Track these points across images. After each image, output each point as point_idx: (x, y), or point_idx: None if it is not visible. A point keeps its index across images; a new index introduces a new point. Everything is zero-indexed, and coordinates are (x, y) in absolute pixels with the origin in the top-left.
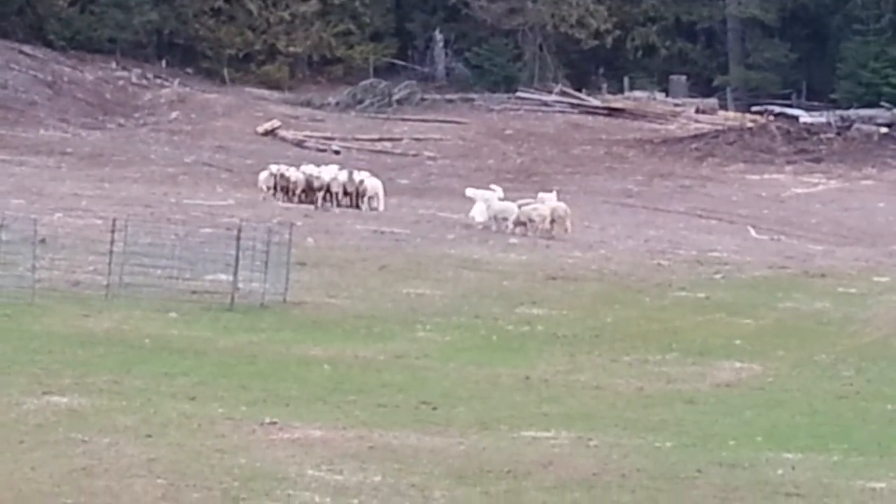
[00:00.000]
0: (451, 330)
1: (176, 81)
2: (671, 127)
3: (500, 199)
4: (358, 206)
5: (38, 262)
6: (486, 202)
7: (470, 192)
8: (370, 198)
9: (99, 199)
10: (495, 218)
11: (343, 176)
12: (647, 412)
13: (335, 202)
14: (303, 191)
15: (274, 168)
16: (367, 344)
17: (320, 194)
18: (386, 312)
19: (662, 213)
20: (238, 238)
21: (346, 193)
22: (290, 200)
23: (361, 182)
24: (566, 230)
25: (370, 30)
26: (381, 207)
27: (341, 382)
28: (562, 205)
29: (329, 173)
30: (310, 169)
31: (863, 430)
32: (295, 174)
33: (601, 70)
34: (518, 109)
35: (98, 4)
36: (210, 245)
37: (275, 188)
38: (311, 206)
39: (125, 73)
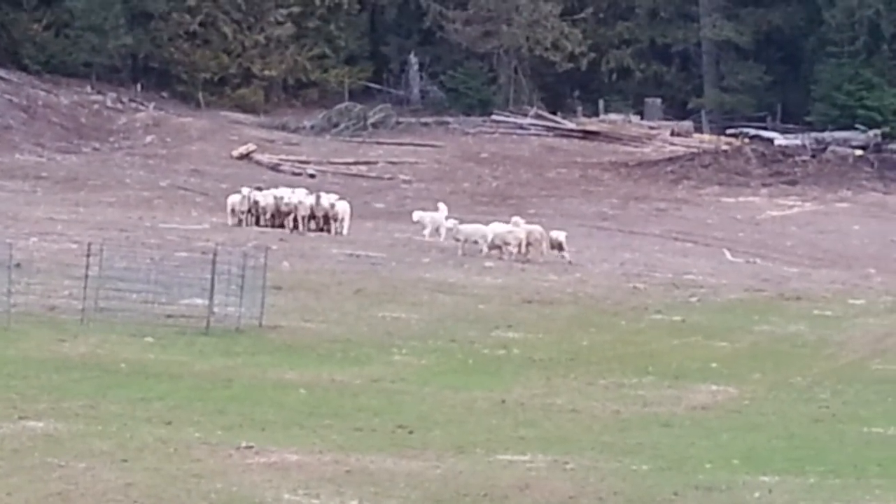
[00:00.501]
0: (427, 354)
1: (151, 105)
2: (646, 150)
3: (446, 218)
4: (327, 230)
5: (13, 287)
6: (433, 223)
7: (416, 215)
8: (340, 221)
9: (74, 223)
10: (465, 241)
11: (310, 199)
12: (623, 435)
13: (303, 226)
14: (272, 215)
15: (245, 191)
16: (343, 368)
17: (289, 218)
18: (362, 336)
19: (638, 236)
20: (213, 262)
21: (312, 217)
22: (259, 225)
23: (332, 206)
24: (542, 254)
25: (345, 53)
26: (345, 232)
27: (317, 406)
28: (537, 228)
29: (297, 197)
30: (279, 192)
31: (839, 452)
32: (264, 198)
33: (576, 93)
34: (493, 132)
35: (73, 28)
36: (185, 269)
37: (248, 211)
38: (285, 231)
39: (100, 97)
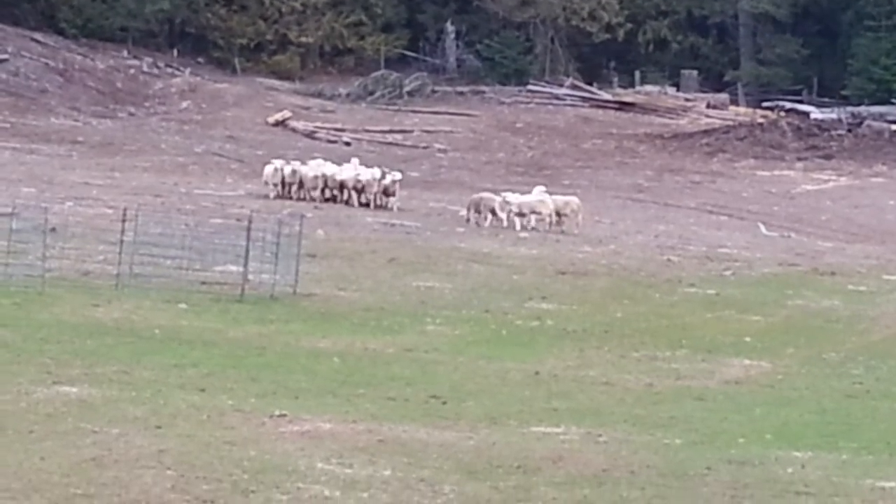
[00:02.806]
0: (460, 324)
1: (187, 71)
2: (682, 122)
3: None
4: (385, 206)
5: (48, 252)
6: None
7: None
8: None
9: (109, 188)
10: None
11: (375, 174)
12: (656, 409)
13: (370, 200)
14: (321, 190)
15: (278, 163)
16: (377, 337)
17: (349, 193)
18: (395, 305)
19: (673, 209)
20: (248, 229)
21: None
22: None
23: (394, 182)
24: (577, 225)
25: (381, 21)
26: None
27: (350, 375)
28: (574, 199)
29: (364, 172)
30: (329, 168)
31: (872, 428)
32: (311, 172)
33: (612, 64)
34: (529, 102)
35: None
36: (220, 236)
37: (284, 185)
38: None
39: (136, 62)
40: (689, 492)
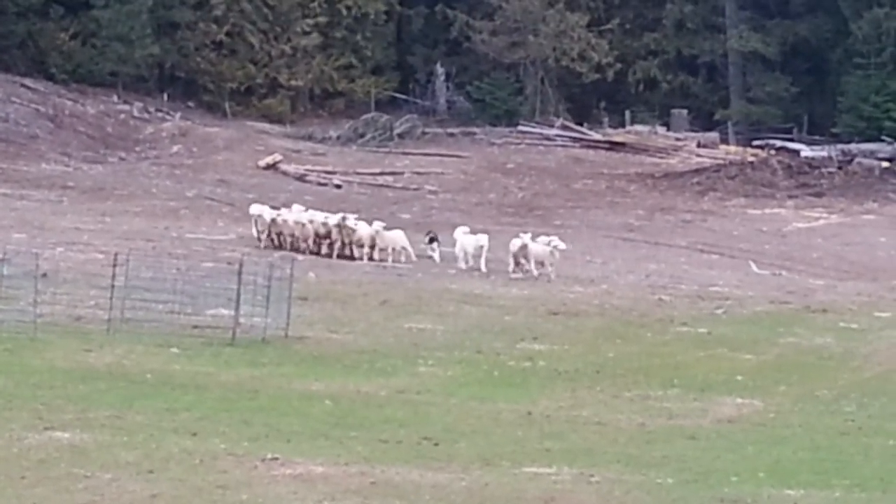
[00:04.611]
0: (452, 365)
1: (177, 115)
2: (672, 161)
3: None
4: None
5: (39, 297)
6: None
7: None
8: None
9: (100, 233)
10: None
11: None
12: (649, 448)
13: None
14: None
15: (257, 209)
16: (369, 379)
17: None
18: (388, 347)
19: (664, 248)
20: (240, 272)
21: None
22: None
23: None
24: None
25: (371, 63)
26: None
27: (343, 418)
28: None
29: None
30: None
31: (865, 466)
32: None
33: (602, 104)
34: (520, 143)
35: (99, 38)
36: (211, 279)
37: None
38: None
39: (126, 107)
40: None
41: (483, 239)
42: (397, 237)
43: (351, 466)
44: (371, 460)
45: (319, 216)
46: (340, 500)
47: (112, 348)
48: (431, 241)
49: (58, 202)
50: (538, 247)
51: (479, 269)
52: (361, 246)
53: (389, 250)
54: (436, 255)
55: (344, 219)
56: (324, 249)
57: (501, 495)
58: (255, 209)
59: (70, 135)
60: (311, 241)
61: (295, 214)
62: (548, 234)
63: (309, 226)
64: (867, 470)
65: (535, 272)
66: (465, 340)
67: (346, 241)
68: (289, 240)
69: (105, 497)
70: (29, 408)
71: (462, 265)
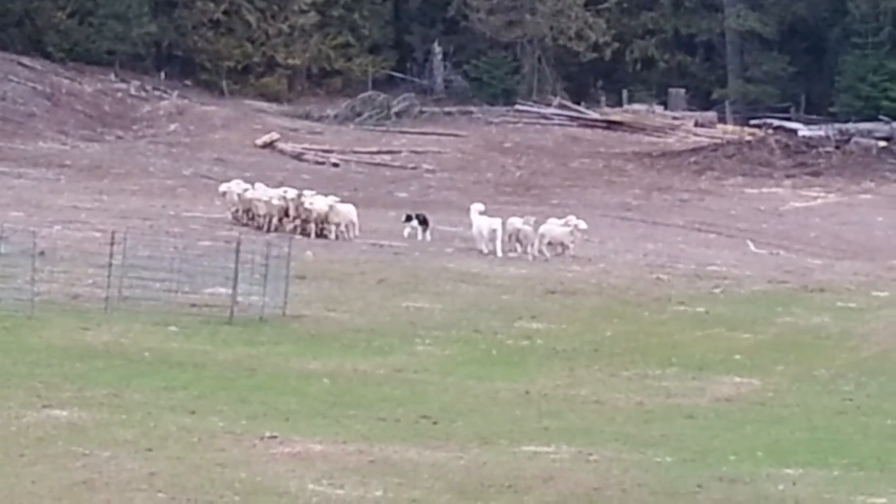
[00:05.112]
0: (450, 344)
1: (175, 93)
2: (670, 140)
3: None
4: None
5: (37, 275)
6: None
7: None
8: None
9: (98, 211)
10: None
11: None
12: (646, 427)
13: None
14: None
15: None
16: (367, 358)
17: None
18: (385, 326)
19: (661, 227)
20: (237, 251)
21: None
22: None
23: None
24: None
25: (369, 42)
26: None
27: (341, 396)
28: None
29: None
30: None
31: (863, 445)
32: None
33: (600, 83)
34: (517, 122)
35: (96, 16)
36: (209, 258)
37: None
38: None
39: (124, 86)
40: None
41: (496, 223)
42: (349, 212)
43: (349, 445)
44: (369, 439)
45: (277, 192)
46: (339, 479)
47: (109, 326)
48: (408, 219)
49: (55, 180)
50: (556, 228)
51: (495, 254)
52: (324, 222)
53: (343, 226)
54: (418, 235)
55: (300, 196)
56: (289, 227)
57: (500, 474)
58: (223, 186)
59: (67, 113)
60: (275, 219)
61: (259, 192)
62: (556, 215)
63: (276, 202)
64: (865, 449)
65: (548, 255)
66: (462, 319)
67: (304, 217)
68: (259, 219)
69: (103, 475)
70: (27, 386)
71: (483, 248)
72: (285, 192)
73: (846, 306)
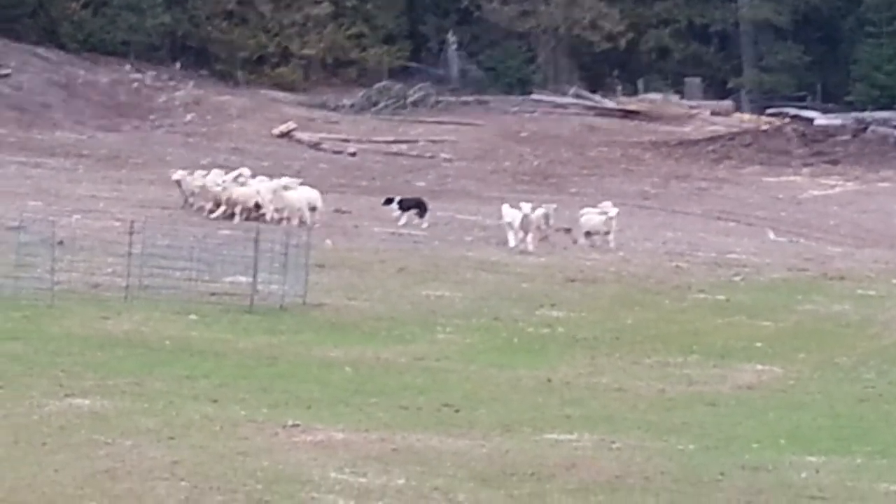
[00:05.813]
0: (471, 332)
1: (190, 84)
2: (687, 129)
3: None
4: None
5: (56, 265)
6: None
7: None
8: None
9: (116, 200)
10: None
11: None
12: (669, 415)
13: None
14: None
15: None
16: (388, 346)
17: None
18: (405, 314)
19: (680, 216)
20: (256, 240)
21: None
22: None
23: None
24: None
25: (383, 32)
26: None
27: (363, 384)
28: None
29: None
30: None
31: (885, 432)
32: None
33: (615, 72)
34: (533, 111)
35: (111, 7)
36: (228, 247)
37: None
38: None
39: (139, 76)
40: (703, 498)
41: (525, 208)
42: (303, 198)
43: (371, 433)
44: (392, 427)
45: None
46: (361, 467)
47: (130, 315)
48: (388, 202)
49: (73, 170)
50: (591, 217)
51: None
52: (257, 207)
53: (289, 213)
54: (403, 219)
55: (238, 177)
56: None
57: (522, 462)
58: (176, 174)
59: (83, 103)
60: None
61: (211, 177)
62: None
63: (213, 189)
64: (888, 436)
65: (583, 240)
66: (482, 307)
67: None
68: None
69: (126, 463)
70: (48, 375)
71: (511, 241)
72: (239, 176)
73: (866, 294)
